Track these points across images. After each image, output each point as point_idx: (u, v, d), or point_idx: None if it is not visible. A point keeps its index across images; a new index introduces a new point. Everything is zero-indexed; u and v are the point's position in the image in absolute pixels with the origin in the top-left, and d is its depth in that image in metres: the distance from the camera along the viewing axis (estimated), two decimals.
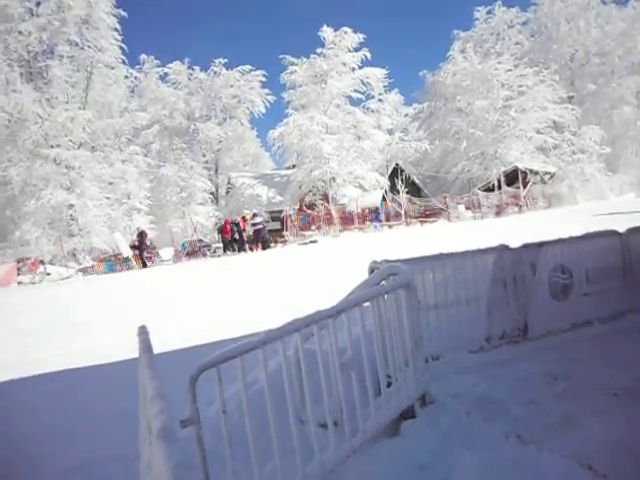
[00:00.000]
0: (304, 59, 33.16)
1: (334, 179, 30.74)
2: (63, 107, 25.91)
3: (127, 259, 21.73)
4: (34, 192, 24.85)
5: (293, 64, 33.10)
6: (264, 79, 38.00)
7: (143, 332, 2.17)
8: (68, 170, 25.54)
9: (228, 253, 22.72)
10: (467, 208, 29.94)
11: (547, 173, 33.26)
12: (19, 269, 21.26)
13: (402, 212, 28.40)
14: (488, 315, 4.23)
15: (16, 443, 3.57)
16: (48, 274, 20.92)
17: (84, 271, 21.62)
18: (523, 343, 4.29)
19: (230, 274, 13.46)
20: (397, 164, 35.20)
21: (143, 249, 21.14)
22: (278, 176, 36.00)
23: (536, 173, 32.63)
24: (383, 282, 3.06)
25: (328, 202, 29.78)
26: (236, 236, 23.49)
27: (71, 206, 25.11)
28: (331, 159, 30.34)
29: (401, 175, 32.67)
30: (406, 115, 44.95)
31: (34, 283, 19.72)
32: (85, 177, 25.73)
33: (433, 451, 2.61)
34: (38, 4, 26.72)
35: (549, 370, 3.69)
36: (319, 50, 33.15)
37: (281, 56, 33.34)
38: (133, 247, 21.67)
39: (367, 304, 2.80)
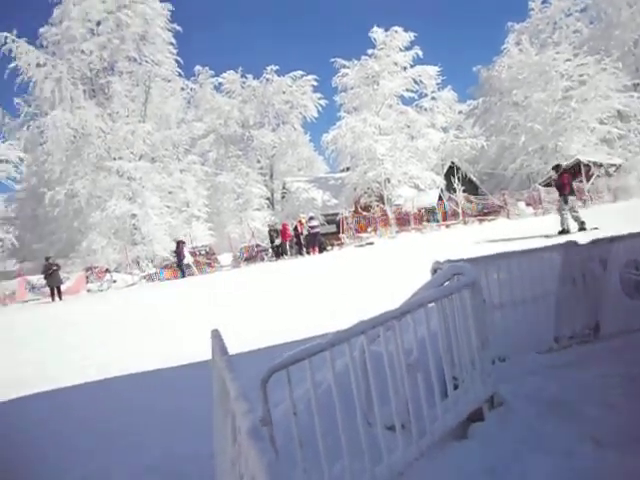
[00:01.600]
0: (355, 61, 33.20)
1: (389, 180, 30.56)
2: (124, 121, 27.03)
3: (188, 266, 22.39)
4: (99, 203, 26.00)
5: (344, 67, 33.17)
6: (315, 83, 38.38)
7: (216, 335, 2.24)
8: (130, 181, 26.58)
9: (285, 257, 22.98)
10: (528, 204, 29.02)
11: (612, 165, 31.75)
12: (87, 277, 22.28)
13: (459, 211, 27.88)
14: (556, 314, 4.07)
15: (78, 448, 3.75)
16: (114, 281, 21.82)
17: (148, 278, 22.45)
18: (594, 343, 4.09)
19: (289, 279, 13.56)
20: (453, 162, 34.61)
21: (182, 258, 21.79)
22: (332, 179, 36.15)
23: (600, 166, 31.18)
24: (447, 282, 3.02)
25: (384, 203, 29.65)
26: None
27: (134, 216, 26.13)
28: (385, 160, 30.18)
29: (457, 173, 32.07)
30: (460, 112, 43.96)
31: (102, 290, 20.62)
32: (146, 187, 26.71)
33: (504, 455, 2.54)
34: (98, 24, 27.95)
35: (623, 371, 3.51)
36: (370, 51, 33.15)
37: (332, 59, 33.49)
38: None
39: (432, 305, 2.76)
